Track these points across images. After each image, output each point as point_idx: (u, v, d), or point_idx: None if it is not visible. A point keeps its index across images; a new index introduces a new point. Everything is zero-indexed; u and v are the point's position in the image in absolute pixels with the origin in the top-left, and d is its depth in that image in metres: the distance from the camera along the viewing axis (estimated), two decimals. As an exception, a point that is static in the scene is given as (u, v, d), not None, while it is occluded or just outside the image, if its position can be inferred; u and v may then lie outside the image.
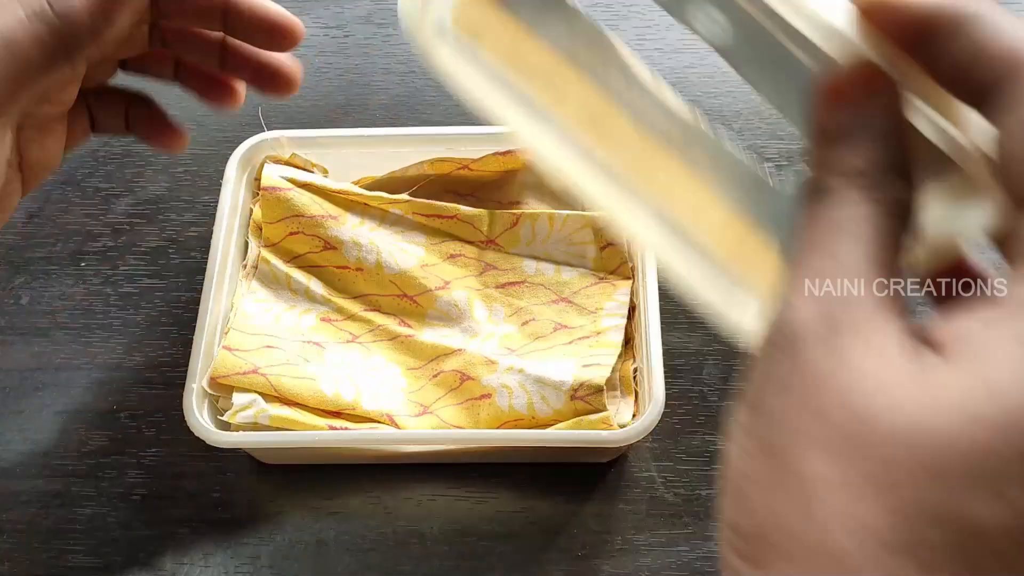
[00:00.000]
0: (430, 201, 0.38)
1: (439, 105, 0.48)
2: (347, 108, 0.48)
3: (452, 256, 0.36)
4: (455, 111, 0.48)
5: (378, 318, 0.36)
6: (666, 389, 0.38)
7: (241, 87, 0.32)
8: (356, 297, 0.37)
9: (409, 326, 0.36)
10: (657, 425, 0.37)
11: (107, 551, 0.36)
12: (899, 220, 0.17)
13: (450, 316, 0.36)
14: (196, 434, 0.33)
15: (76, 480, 0.37)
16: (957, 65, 0.17)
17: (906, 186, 0.17)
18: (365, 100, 0.49)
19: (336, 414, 0.36)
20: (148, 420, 0.38)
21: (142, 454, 0.38)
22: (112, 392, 0.39)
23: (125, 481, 0.37)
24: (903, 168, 0.17)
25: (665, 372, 0.38)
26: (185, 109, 0.35)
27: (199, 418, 0.34)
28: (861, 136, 0.17)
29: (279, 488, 0.37)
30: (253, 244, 0.38)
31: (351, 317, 0.36)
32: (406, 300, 0.36)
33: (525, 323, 0.35)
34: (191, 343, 0.36)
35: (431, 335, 0.35)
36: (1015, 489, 0.13)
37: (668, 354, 0.37)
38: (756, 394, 0.16)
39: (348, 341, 0.36)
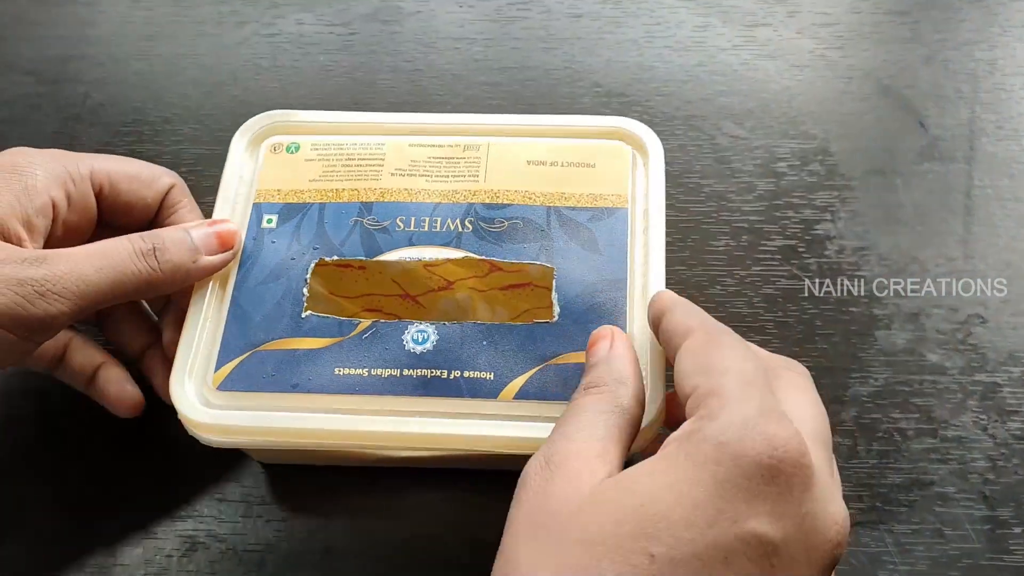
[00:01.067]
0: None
1: (447, 104, 0.48)
2: (353, 107, 0.47)
3: (456, 257, 0.36)
4: (463, 111, 0.48)
5: (379, 318, 0.36)
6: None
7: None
8: (357, 296, 0.36)
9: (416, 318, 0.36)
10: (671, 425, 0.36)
11: (105, 558, 0.35)
12: (617, 403, 0.27)
13: (452, 318, 0.35)
14: (191, 434, 0.32)
15: (73, 483, 0.37)
16: (663, 336, 0.30)
17: (628, 392, 0.28)
18: (371, 99, 0.48)
19: None
20: (147, 424, 0.38)
21: (141, 458, 0.37)
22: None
23: (125, 486, 0.37)
24: (620, 366, 0.29)
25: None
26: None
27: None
28: (593, 366, 0.30)
29: (286, 494, 0.37)
30: None
31: (359, 296, 0.36)
32: (408, 300, 0.36)
33: (538, 308, 0.35)
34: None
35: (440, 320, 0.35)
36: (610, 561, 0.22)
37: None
38: (507, 522, 0.25)
39: (356, 318, 0.35)
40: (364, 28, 0.52)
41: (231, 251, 0.35)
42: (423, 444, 0.32)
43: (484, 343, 0.34)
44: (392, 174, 0.38)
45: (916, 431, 0.38)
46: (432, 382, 0.33)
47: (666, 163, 0.45)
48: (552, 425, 0.31)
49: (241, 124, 0.46)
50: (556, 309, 0.34)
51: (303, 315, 0.35)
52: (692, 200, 0.44)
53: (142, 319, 0.38)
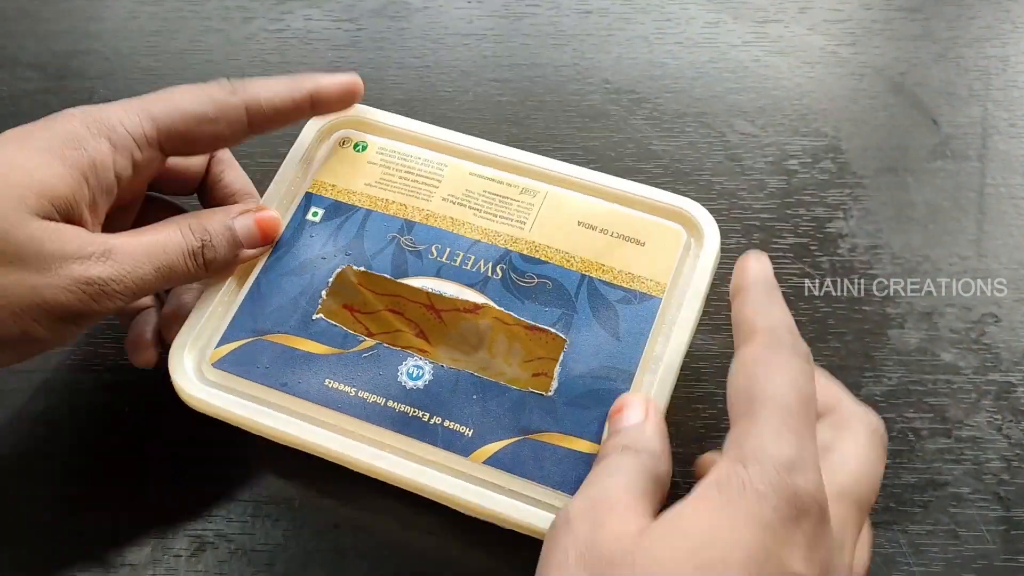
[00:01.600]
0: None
1: (455, 101, 0.48)
2: (361, 103, 0.47)
3: (477, 302, 0.35)
4: (470, 108, 0.47)
5: (398, 321, 0.35)
6: (689, 392, 0.38)
7: None
8: (384, 294, 0.36)
9: (426, 339, 0.35)
10: (681, 429, 0.36)
11: (113, 557, 0.35)
12: (652, 472, 0.28)
13: (468, 342, 0.35)
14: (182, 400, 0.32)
15: (86, 483, 0.37)
16: (733, 318, 0.29)
17: (664, 468, 0.29)
18: (379, 95, 0.48)
19: None
20: (155, 423, 0.37)
21: (149, 457, 0.37)
22: (119, 391, 0.38)
23: (133, 485, 0.36)
24: (656, 439, 0.29)
25: (688, 375, 0.38)
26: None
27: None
28: (627, 429, 0.30)
29: (295, 494, 0.36)
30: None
31: (373, 312, 0.36)
32: (431, 313, 0.35)
33: (537, 375, 0.34)
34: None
35: (444, 355, 0.35)
36: None
37: (691, 356, 0.36)
38: (541, 561, 0.26)
39: (362, 334, 0.35)
40: (372, 24, 0.51)
41: (271, 243, 0.36)
42: (388, 480, 0.32)
43: (474, 397, 0.33)
44: (444, 199, 0.37)
45: (930, 431, 0.37)
46: (412, 422, 0.33)
47: (677, 161, 0.45)
48: (513, 502, 0.31)
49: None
50: (554, 384, 0.33)
51: (314, 317, 0.35)
52: (703, 198, 0.44)
53: None
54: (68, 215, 0.31)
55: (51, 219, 0.30)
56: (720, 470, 0.25)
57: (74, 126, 0.31)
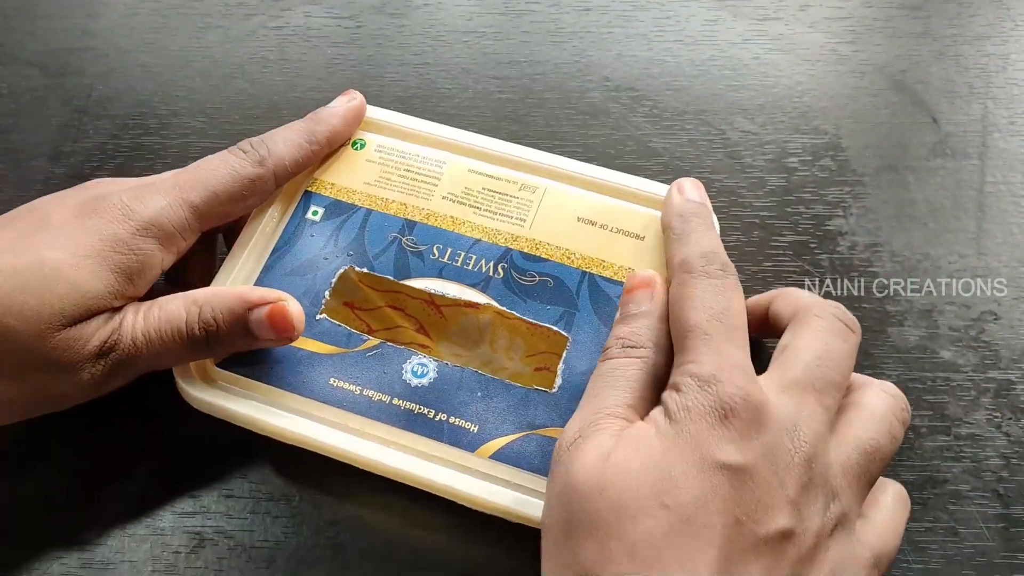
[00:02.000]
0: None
1: (455, 98, 0.48)
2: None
3: (479, 302, 0.35)
4: (470, 105, 0.47)
5: (398, 317, 0.35)
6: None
7: None
8: (385, 291, 0.36)
9: (427, 335, 0.35)
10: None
11: (112, 554, 0.35)
12: (652, 371, 0.30)
13: (470, 337, 0.35)
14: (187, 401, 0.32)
15: (86, 482, 0.36)
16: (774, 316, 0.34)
17: (660, 351, 0.30)
18: (379, 93, 0.48)
19: None
20: (154, 419, 0.37)
21: (149, 454, 0.37)
22: (119, 390, 0.38)
23: (132, 482, 0.36)
24: (662, 332, 0.30)
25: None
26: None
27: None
28: (634, 318, 0.31)
29: (294, 491, 0.36)
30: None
31: (374, 308, 0.36)
32: (432, 308, 0.35)
33: (539, 369, 0.34)
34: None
35: (446, 351, 0.35)
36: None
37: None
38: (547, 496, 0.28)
39: (364, 331, 0.35)
40: (371, 21, 0.51)
41: (287, 338, 0.33)
42: (395, 476, 0.33)
43: (479, 394, 0.33)
44: (443, 197, 0.37)
45: (929, 429, 0.37)
46: (417, 419, 0.33)
47: (677, 159, 0.45)
48: (519, 496, 0.31)
49: (248, 118, 0.46)
50: (558, 381, 0.33)
51: (317, 317, 0.35)
52: (703, 195, 0.44)
53: (210, 265, 0.38)
54: (103, 310, 0.32)
55: (81, 320, 0.31)
56: (664, 397, 0.28)
57: (122, 230, 0.32)
